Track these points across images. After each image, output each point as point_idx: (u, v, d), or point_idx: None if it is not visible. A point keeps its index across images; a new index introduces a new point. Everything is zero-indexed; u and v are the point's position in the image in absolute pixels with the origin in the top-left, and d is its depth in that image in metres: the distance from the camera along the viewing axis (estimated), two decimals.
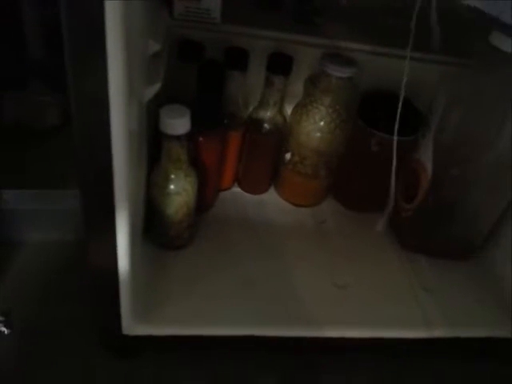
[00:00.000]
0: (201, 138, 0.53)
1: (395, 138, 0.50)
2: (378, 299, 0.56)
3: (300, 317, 0.52)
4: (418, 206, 0.60)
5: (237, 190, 0.67)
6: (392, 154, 0.61)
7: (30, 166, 0.62)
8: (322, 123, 0.58)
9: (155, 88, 0.42)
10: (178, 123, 0.45)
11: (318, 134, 0.59)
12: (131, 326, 0.48)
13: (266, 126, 0.60)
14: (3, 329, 0.52)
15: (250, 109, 0.61)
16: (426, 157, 0.58)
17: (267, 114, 0.59)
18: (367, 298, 0.56)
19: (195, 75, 0.51)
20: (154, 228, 0.55)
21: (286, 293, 0.54)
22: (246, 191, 0.66)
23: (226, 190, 0.65)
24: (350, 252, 0.62)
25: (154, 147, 0.50)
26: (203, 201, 0.57)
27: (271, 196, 0.67)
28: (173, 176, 0.49)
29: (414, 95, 0.62)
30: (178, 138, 0.46)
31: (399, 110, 0.51)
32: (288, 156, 0.62)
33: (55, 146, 0.66)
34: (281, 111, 0.60)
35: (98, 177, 0.36)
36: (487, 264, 0.64)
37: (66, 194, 0.58)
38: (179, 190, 0.50)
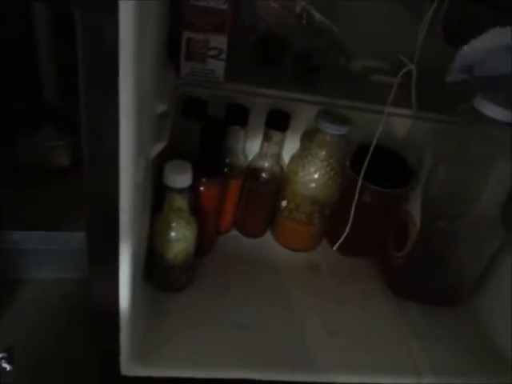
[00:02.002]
0: (202, 188, 0.56)
1: (360, 180, 0.54)
2: (368, 345, 0.58)
3: (292, 361, 0.54)
4: (408, 255, 0.62)
5: (235, 233, 0.70)
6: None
7: (39, 208, 0.65)
8: (316, 175, 0.61)
9: (161, 146, 0.46)
10: (181, 178, 0.49)
11: (313, 185, 0.62)
12: (129, 366, 0.50)
13: (264, 175, 0.64)
14: (5, 365, 0.54)
15: (249, 159, 0.65)
16: (415, 209, 0.61)
17: (265, 164, 0.63)
18: (357, 344, 0.58)
19: (198, 130, 0.55)
20: (153, 271, 0.57)
21: (279, 337, 0.56)
22: (244, 235, 0.69)
23: (224, 233, 0.68)
24: (341, 297, 0.64)
25: (156, 196, 0.53)
26: (202, 245, 0.60)
27: (268, 240, 0.70)
28: (174, 224, 0.52)
29: (404, 149, 0.66)
30: (180, 190, 0.50)
31: (369, 156, 0.54)
32: (284, 203, 0.66)
33: (64, 188, 0.69)
34: (278, 162, 0.64)
35: (104, 221, 0.39)
36: (475, 311, 0.66)
37: (71, 235, 0.61)
38: (179, 237, 0.53)
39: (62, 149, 0.74)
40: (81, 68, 0.31)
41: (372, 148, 0.57)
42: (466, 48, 0.49)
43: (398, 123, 0.65)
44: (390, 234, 0.66)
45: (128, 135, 0.33)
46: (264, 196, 0.65)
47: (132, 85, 0.31)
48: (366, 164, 0.58)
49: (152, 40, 0.37)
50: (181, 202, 0.51)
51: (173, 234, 0.52)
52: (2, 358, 0.53)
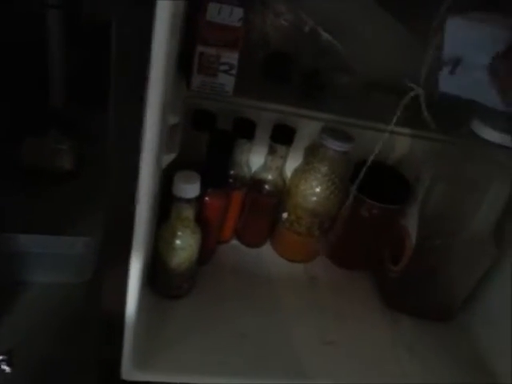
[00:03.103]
0: (207, 198, 0.57)
1: (353, 194, 0.54)
2: (362, 356, 0.60)
3: (289, 369, 0.56)
4: (403, 270, 0.64)
5: (235, 242, 0.71)
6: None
7: (43, 211, 0.66)
8: (318, 189, 0.63)
9: (172, 157, 0.48)
10: (189, 188, 0.50)
11: (314, 198, 0.64)
12: (130, 371, 0.50)
13: (267, 187, 0.65)
14: (5, 367, 0.54)
15: (253, 170, 0.66)
16: (411, 225, 0.63)
17: (268, 176, 0.65)
18: (351, 355, 0.59)
19: (205, 141, 0.57)
20: (155, 277, 0.58)
21: (276, 346, 0.58)
22: (244, 244, 0.71)
23: (225, 242, 0.70)
24: (337, 309, 0.65)
25: (162, 205, 0.54)
26: (203, 254, 0.61)
27: (267, 250, 0.72)
28: (180, 233, 0.53)
29: (403, 166, 0.69)
30: (188, 200, 0.51)
31: (363, 171, 0.55)
32: (285, 215, 0.67)
33: (68, 192, 0.70)
34: (281, 175, 0.66)
35: (119, 227, 0.41)
36: (466, 326, 0.68)
37: (75, 240, 0.62)
38: (185, 246, 0.54)
39: (67, 153, 0.75)
40: (112, 78, 0.32)
41: (368, 163, 0.59)
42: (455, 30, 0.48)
43: (398, 141, 0.68)
44: (387, 249, 0.68)
45: (150, 145, 0.35)
46: (266, 207, 0.67)
47: (160, 95, 0.33)
48: (359, 178, 0.60)
49: (175, 52, 0.39)
50: (188, 211, 0.52)
51: (178, 242, 0.54)
52: (2, 361, 0.54)
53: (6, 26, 0.68)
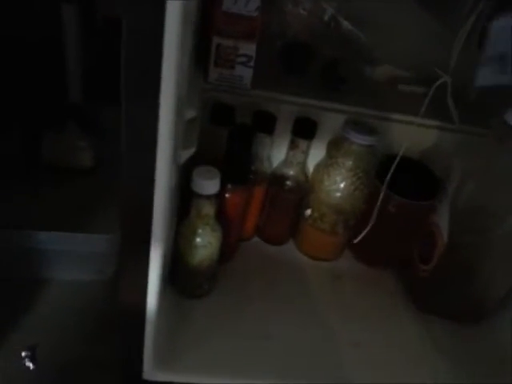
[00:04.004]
0: (227, 194, 0.56)
1: (384, 190, 0.52)
2: (389, 359, 0.57)
3: (314, 372, 0.54)
4: (434, 268, 0.61)
5: (257, 240, 0.69)
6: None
7: (62, 209, 0.65)
8: (342, 184, 0.61)
9: (190, 152, 0.46)
10: (209, 184, 0.49)
11: (338, 194, 0.61)
12: (151, 371, 0.50)
13: (289, 183, 0.63)
14: (28, 364, 0.54)
15: (274, 166, 0.65)
16: (443, 221, 0.60)
17: (290, 172, 0.63)
18: (379, 357, 0.57)
19: (225, 136, 0.55)
20: (176, 276, 0.57)
21: (300, 347, 0.56)
22: (266, 242, 0.69)
23: (247, 240, 0.68)
24: (364, 309, 0.63)
25: (182, 202, 0.53)
26: (224, 251, 0.59)
27: (290, 248, 0.70)
28: (200, 230, 0.52)
29: (432, 161, 0.65)
30: (208, 197, 0.50)
31: (394, 166, 0.53)
32: (308, 212, 0.65)
33: (87, 189, 0.70)
34: (303, 170, 0.64)
35: (137, 222, 0.39)
36: (499, 329, 0.64)
37: (95, 237, 0.61)
38: (205, 243, 0.53)
39: (86, 149, 0.75)
40: (123, 72, 0.31)
41: (398, 159, 0.56)
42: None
43: (425, 134, 0.64)
44: (416, 247, 0.65)
45: (166, 139, 0.34)
46: (288, 204, 0.65)
47: (173, 89, 0.32)
48: (390, 174, 0.57)
49: (189, 45, 0.38)
50: (208, 208, 0.51)
51: (198, 240, 0.52)
52: (26, 357, 0.54)
53: (23, 22, 0.69)
